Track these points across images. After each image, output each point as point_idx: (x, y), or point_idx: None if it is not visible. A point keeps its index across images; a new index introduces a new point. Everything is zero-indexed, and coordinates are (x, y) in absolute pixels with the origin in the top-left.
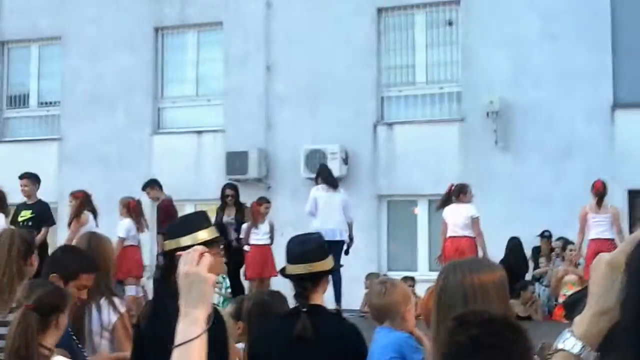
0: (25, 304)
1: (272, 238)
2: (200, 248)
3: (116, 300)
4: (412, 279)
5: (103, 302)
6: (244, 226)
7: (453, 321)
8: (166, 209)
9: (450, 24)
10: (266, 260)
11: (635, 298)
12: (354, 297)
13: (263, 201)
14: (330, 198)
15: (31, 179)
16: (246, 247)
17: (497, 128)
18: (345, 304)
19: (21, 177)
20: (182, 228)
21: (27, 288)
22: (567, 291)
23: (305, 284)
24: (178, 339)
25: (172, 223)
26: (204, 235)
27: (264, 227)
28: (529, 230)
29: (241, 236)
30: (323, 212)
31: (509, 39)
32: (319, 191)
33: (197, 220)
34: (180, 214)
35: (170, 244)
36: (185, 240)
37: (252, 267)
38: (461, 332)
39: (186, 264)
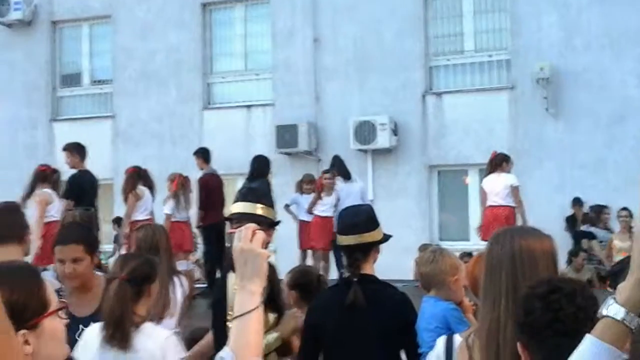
0: (120, 275)
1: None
2: (253, 225)
3: (182, 278)
4: (470, 254)
5: (175, 279)
6: (308, 197)
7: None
8: (204, 184)
9: None
10: (328, 233)
11: None
12: (405, 267)
13: (325, 172)
14: (350, 188)
15: (69, 150)
16: (305, 218)
17: (547, 95)
18: (397, 275)
19: (63, 149)
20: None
21: (121, 261)
22: (618, 257)
23: (356, 255)
24: (236, 311)
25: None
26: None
27: (330, 199)
28: (582, 197)
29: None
30: (346, 203)
31: (558, 3)
32: (338, 184)
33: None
34: (232, 189)
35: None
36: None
37: (314, 238)
38: (569, 305)
39: (240, 241)
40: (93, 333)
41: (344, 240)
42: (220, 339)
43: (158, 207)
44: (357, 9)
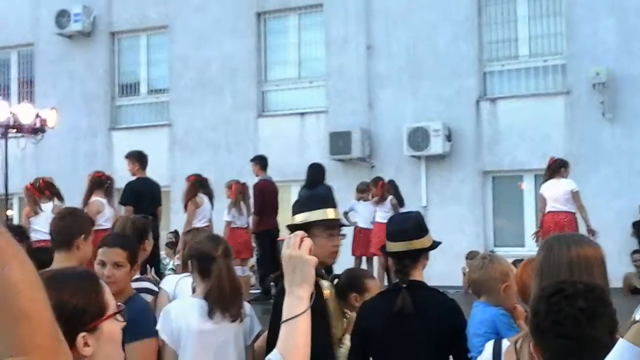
0: (216, 254)
1: None
2: (301, 233)
3: None
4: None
5: None
6: (352, 202)
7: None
8: (260, 190)
9: None
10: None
11: None
12: (458, 274)
13: (372, 182)
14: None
15: (129, 158)
16: (362, 224)
17: (604, 99)
18: (450, 281)
19: (125, 157)
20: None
21: (213, 241)
22: None
23: (405, 261)
24: (285, 315)
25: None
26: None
27: (383, 207)
28: (638, 203)
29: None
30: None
31: (615, 7)
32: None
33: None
34: (285, 195)
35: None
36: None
37: (375, 245)
38: (570, 306)
39: (289, 248)
40: (186, 308)
41: (393, 246)
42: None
43: (216, 215)
44: (411, 15)
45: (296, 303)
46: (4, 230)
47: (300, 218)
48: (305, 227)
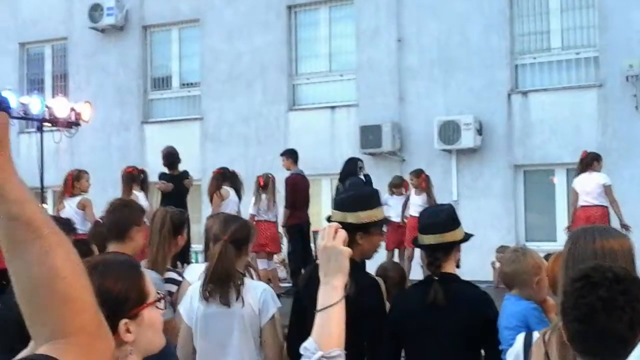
0: (223, 237)
1: None
2: (335, 224)
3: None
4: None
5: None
6: (386, 197)
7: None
8: (292, 184)
9: None
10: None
11: None
12: (489, 268)
13: (413, 174)
14: None
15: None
16: (395, 219)
17: (637, 92)
18: (482, 275)
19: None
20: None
21: (223, 224)
22: None
23: (437, 254)
24: (319, 305)
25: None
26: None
27: (420, 199)
28: None
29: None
30: None
31: None
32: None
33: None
34: (316, 189)
35: (337, 217)
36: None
37: (409, 239)
38: (590, 293)
39: (323, 239)
40: (195, 290)
41: (425, 239)
42: (299, 329)
43: (245, 208)
44: (442, 7)
45: (331, 293)
46: (49, 220)
47: (365, 215)
48: (366, 225)
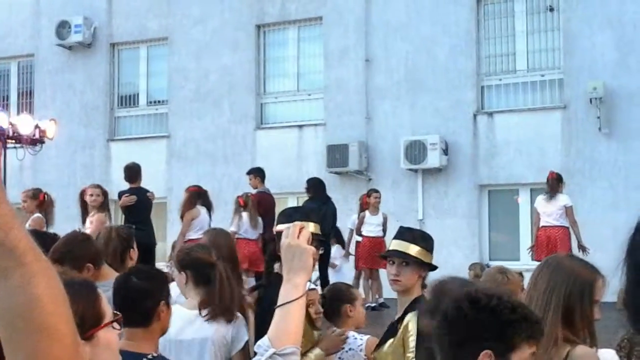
0: (214, 260)
1: (384, 230)
2: (300, 223)
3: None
4: (520, 274)
5: None
6: (355, 217)
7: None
8: (258, 202)
9: (551, 9)
10: (378, 252)
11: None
12: None
13: (372, 192)
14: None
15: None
16: (358, 238)
17: (600, 114)
18: None
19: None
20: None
21: (207, 248)
22: None
23: None
24: (280, 301)
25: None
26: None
27: (377, 219)
28: (635, 218)
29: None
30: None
31: (612, 22)
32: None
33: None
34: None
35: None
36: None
37: (364, 258)
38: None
39: (288, 237)
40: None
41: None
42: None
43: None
44: (409, 28)
45: (292, 289)
46: (34, 246)
47: (279, 228)
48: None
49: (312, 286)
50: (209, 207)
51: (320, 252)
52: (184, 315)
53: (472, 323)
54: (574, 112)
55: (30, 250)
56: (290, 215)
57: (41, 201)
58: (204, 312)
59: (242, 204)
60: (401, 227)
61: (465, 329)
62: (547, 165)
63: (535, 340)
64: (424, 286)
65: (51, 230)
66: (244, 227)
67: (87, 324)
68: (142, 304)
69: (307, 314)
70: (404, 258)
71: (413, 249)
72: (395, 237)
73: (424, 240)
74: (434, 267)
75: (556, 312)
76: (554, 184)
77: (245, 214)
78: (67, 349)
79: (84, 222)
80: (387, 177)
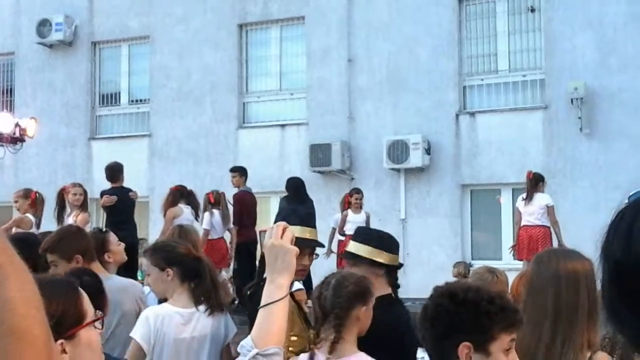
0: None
1: None
2: (283, 223)
3: None
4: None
5: None
6: (338, 216)
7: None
8: (239, 201)
9: (532, 10)
10: None
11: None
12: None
13: (353, 192)
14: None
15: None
16: (341, 237)
17: (581, 115)
18: (429, 293)
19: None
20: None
21: (185, 244)
22: None
23: None
24: (263, 301)
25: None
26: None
27: (359, 218)
28: None
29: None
30: None
31: (593, 23)
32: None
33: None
34: (265, 207)
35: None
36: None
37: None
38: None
39: (271, 237)
40: (163, 316)
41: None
42: None
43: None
44: (392, 28)
45: (275, 290)
46: (8, 248)
47: (262, 228)
48: None
49: (300, 286)
50: (196, 207)
51: (315, 257)
52: (179, 314)
53: (450, 317)
54: (555, 112)
55: (3, 252)
56: (286, 218)
57: (33, 200)
58: (202, 307)
59: (212, 200)
60: (357, 228)
61: (444, 323)
62: (529, 165)
63: (515, 328)
64: (396, 286)
65: (41, 230)
66: (217, 224)
67: (68, 322)
68: None
69: (303, 314)
70: (352, 259)
71: (363, 250)
72: (351, 239)
73: (378, 239)
74: (395, 266)
75: (582, 319)
76: (532, 184)
77: (216, 211)
78: (39, 353)
79: (59, 219)
80: (370, 177)
